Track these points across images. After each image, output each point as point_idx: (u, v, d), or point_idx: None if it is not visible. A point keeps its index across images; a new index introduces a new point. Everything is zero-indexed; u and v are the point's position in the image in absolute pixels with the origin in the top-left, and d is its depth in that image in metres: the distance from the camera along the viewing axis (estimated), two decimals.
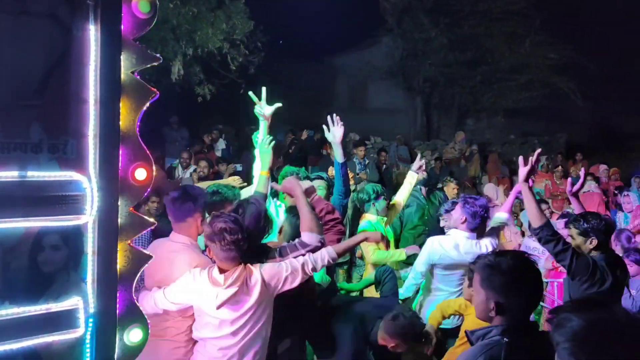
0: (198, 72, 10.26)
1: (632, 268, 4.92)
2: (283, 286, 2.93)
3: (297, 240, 3.09)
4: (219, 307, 2.82)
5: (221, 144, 12.34)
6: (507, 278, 2.06)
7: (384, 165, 11.15)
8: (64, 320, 2.22)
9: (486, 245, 4.06)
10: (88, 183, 2.21)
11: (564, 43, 16.33)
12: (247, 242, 2.84)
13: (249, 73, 11.38)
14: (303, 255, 2.99)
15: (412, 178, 5.13)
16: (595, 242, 3.54)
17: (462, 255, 3.99)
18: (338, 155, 4.07)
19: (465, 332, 2.17)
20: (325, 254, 3.01)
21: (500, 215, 4.31)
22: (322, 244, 3.07)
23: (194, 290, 2.86)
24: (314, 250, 3.02)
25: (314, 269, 3.00)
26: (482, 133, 18.19)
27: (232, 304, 2.85)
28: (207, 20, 9.15)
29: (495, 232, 4.25)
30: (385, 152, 11.64)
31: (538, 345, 1.94)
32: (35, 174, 2.13)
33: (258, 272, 2.89)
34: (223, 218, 2.83)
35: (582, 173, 4.44)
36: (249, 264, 2.92)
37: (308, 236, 3.04)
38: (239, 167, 8.61)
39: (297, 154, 12.44)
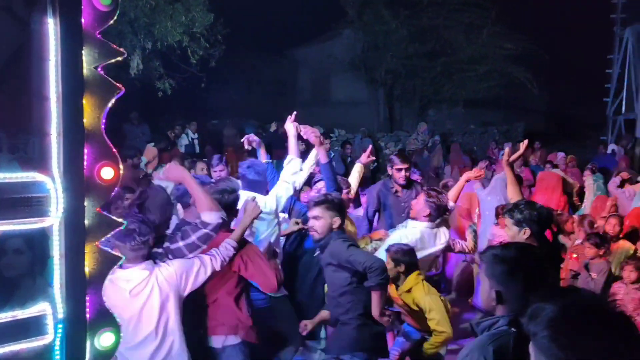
0: (158, 66, 10.03)
1: (591, 251, 5.09)
2: (196, 280, 3.00)
3: (197, 220, 3.11)
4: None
5: (184, 140, 12.15)
6: (506, 267, 2.10)
7: (349, 158, 11.17)
8: (31, 327, 2.14)
9: (444, 233, 4.27)
10: (52, 183, 2.12)
11: (520, 33, 16.67)
12: (154, 238, 2.95)
13: (210, 67, 11.20)
14: (208, 234, 3.04)
15: (359, 168, 5.39)
16: (528, 232, 3.45)
17: (425, 246, 4.16)
18: (311, 154, 4.16)
19: (470, 323, 2.18)
20: (226, 244, 3.13)
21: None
22: (224, 220, 3.13)
23: None
24: (216, 228, 3.06)
25: (223, 262, 3.09)
26: (443, 123, 18.44)
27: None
28: (165, 13, 8.94)
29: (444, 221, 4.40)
30: (350, 144, 11.67)
31: None
32: None
33: (171, 268, 2.95)
34: (132, 219, 2.88)
35: (522, 145, 4.47)
36: (159, 262, 2.99)
37: (208, 215, 3.06)
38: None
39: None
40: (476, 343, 2.04)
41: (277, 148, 12.90)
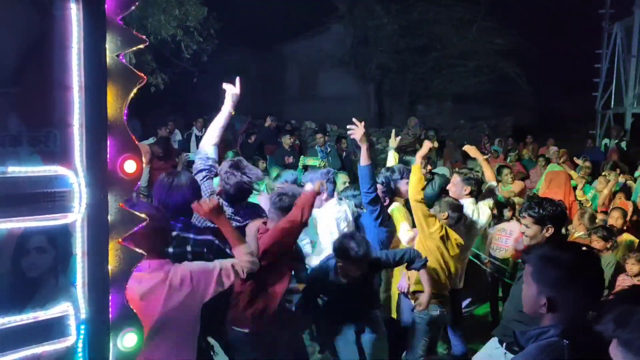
0: (150, 60, 9.86)
1: (599, 244, 5.09)
2: (215, 287, 2.73)
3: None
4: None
5: (177, 135, 11.99)
6: (564, 272, 1.91)
7: (344, 153, 11.11)
8: (53, 328, 2.03)
9: (484, 207, 4.68)
10: (75, 178, 2.02)
11: (510, 28, 16.75)
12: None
13: (202, 61, 11.05)
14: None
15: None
16: (551, 230, 3.28)
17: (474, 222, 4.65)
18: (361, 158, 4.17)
19: (514, 332, 2.03)
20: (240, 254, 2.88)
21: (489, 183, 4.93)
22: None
23: None
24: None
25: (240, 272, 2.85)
26: (432, 119, 18.46)
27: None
28: (159, 5, 8.78)
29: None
30: (345, 139, 11.61)
31: (597, 345, 1.80)
32: (16, 170, 1.91)
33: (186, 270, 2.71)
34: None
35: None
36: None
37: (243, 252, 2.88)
38: (192, 157, 8.32)
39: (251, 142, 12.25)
40: (526, 356, 1.90)
41: (269, 144, 12.81)
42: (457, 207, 4.31)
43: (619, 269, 5.14)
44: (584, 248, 2.04)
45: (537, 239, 3.29)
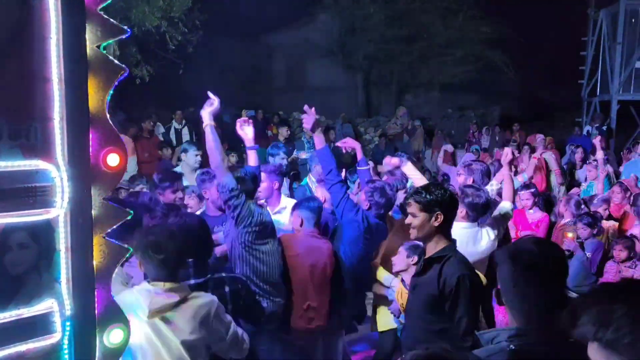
0: (134, 52, 9.72)
1: (585, 232, 5.12)
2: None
3: None
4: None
5: (160, 128, 11.89)
6: (517, 267, 1.77)
7: (332, 144, 11.07)
8: (37, 326, 1.99)
9: (487, 233, 3.89)
10: (57, 172, 1.97)
11: (495, 17, 16.76)
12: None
13: (187, 53, 10.92)
14: None
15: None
16: (441, 218, 2.81)
17: (464, 248, 3.92)
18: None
19: (476, 334, 1.90)
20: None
21: (504, 204, 4.19)
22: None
23: None
24: None
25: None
26: (420, 108, 18.49)
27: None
28: None
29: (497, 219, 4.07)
30: (333, 130, 11.58)
31: (556, 356, 1.67)
32: None
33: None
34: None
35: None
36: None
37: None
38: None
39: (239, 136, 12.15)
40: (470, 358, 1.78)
41: (257, 136, 12.72)
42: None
43: (607, 255, 5.19)
44: (541, 241, 1.96)
45: (425, 230, 2.83)
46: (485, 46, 17.07)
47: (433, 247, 2.85)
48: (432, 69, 17.60)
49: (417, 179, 4.26)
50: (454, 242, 2.90)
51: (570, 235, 5.08)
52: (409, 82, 18.37)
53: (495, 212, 4.10)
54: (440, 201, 2.81)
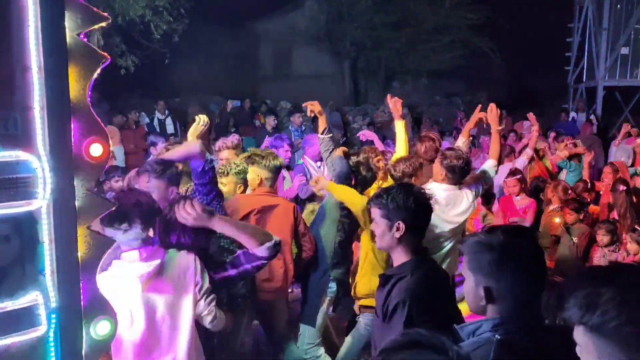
0: (119, 42, 9.58)
1: (572, 216, 5.17)
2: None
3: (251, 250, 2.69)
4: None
5: (145, 119, 11.78)
6: (496, 255, 1.70)
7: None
8: (22, 319, 1.97)
9: (466, 196, 3.95)
10: (38, 162, 1.93)
11: (482, 3, 16.75)
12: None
13: (173, 42, 10.79)
14: (264, 264, 2.70)
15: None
16: (403, 227, 2.38)
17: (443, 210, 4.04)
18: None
19: (454, 328, 1.76)
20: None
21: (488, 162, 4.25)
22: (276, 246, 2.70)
23: None
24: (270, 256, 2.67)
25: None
26: (408, 95, 18.45)
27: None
28: None
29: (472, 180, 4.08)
30: None
31: (542, 345, 1.65)
32: None
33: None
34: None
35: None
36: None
37: (260, 250, 2.62)
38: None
39: (225, 124, 12.10)
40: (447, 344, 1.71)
41: (243, 124, 12.68)
42: None
43: (593, 239, 5.23)
44: (516, 228, 1.86)
45: (385, 240, 2.44)
46: (471, 32, 17.06)
47: (396, 261, 2.46)
48: (419, 56, 17.56)
49: (400, 140, 4.45)
50: (418, 256, 2.44)
51: (557, 220, 5.12)
52: (397, 69, 18.32)
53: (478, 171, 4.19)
54: (403, 208, 2.38)
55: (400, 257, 2.42)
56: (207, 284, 2.65)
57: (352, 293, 4.01)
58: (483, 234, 1.81)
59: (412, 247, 2.42)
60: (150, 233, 2.67)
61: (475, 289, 1.74)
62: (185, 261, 2.63)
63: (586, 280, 1.29)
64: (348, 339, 4.03)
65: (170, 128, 10.97)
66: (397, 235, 2.38)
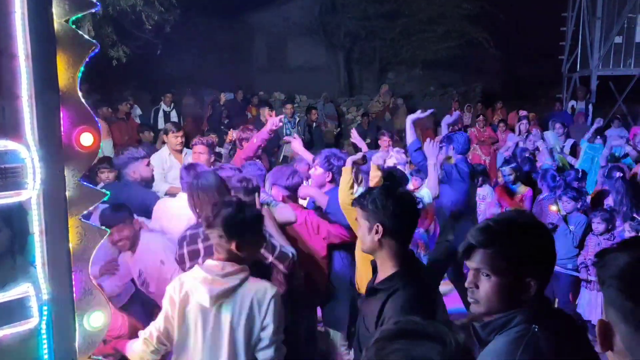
0: (110, 32, 9.47)
1: (569, 205, 5.15)
2: None
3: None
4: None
5: (137, 111, 11.69)
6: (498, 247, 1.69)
7: (314, 124, 11.02)
8: (13, 311, 1.95)
9: None
10: (27, 152, 1.91)
11: None
12: None
13: (164, 33, 10.69)
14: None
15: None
16: (381, 231, 2.27)
17: None
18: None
19: (473, 326, 1.69)
20: None
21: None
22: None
23: None
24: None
25: None
26: (402, 86, 18.41)
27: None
28: None
29: None
30: (315, 110, 11.49)
31: (566, 328, 1.68)
32: None
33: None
34: None
35: None
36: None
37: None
38: None
39: (218, 117, 12.04)
40: (498, 353, 1.60)
41: (236, 116, 12.59)
42: None
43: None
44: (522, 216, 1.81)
45: (367, 243, 2.34)
46: (466, 22, 16.98)
47: (381, 269, 2.35)
48: (414, 46, 17.47)
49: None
50: (405, 266, 2.31)
51: (554, 208, 5.11)
52: (391, 60, 18.24)
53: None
54: (381, 211, 2.26)
55: (384, 262, 2.32)
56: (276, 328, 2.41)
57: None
58: (492, 221, 1.77)
59: (395, 252, 2.30)
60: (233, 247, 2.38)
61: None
62: (262, 294, 2.38)
63: (620, 246, 1.29)
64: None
65: (175, 120, 10.94)
66: (376, 238, 2.27)
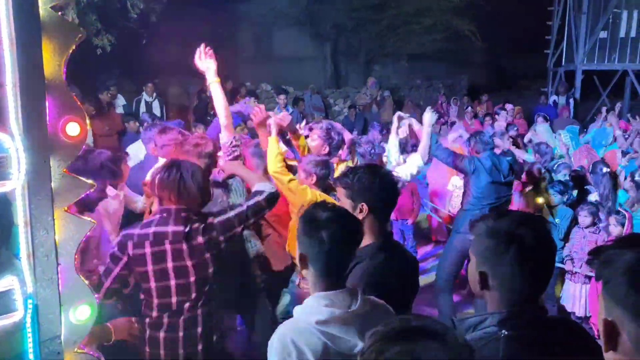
0: (94, 20, 9.30)
1: (556, 198, 5.20)
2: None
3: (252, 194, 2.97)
4: None
5: (121, 100, 11.52)
6: (493, 242, 1.60)
7: (302, 115, 10.98)
8: None
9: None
10: (11, 142, 1.86)
11: None
12: None
13: (150, 22, 10.54)
14: (260, 204, 2.87)
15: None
16: (366, 210, 2.30)
17: None
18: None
19: (452, 321, 1.67)
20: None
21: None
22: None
23: None
24: (270, 199, 2.92)
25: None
26: (388, 79, 18.41)
27: None
28: None
29: None
30: (303, 101, 11.45)
31: (547, 339, 1.57)
32: None
33: None
34: None
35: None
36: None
37: (262, 185, 2.95)
38: None
39: (204, 107, 11.94)
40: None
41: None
42: (324, 163, 3.67)
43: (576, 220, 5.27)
44: (523, 215, 1.72)
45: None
46: (452, 15, 16.98)
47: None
48: (400, 38, 17.44)
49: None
50: (380, 240, 2.32)
51: (540, 201, 5.15)
52: (377, 52, 18.20)
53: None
54: (368, 190, 2.29)
55: (365, 240, 2.23)
56: None
57: None
58: (492, 218, 1.69)
59: (375, 229, 2.31)
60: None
61: (474, 271, 1.66)
62: None
63: (620, 244, 1.25)
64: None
65: (157, 111, 10.79)
66: (360, 217, 2.25)
